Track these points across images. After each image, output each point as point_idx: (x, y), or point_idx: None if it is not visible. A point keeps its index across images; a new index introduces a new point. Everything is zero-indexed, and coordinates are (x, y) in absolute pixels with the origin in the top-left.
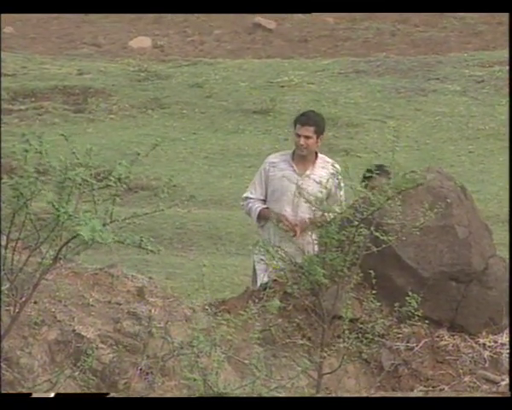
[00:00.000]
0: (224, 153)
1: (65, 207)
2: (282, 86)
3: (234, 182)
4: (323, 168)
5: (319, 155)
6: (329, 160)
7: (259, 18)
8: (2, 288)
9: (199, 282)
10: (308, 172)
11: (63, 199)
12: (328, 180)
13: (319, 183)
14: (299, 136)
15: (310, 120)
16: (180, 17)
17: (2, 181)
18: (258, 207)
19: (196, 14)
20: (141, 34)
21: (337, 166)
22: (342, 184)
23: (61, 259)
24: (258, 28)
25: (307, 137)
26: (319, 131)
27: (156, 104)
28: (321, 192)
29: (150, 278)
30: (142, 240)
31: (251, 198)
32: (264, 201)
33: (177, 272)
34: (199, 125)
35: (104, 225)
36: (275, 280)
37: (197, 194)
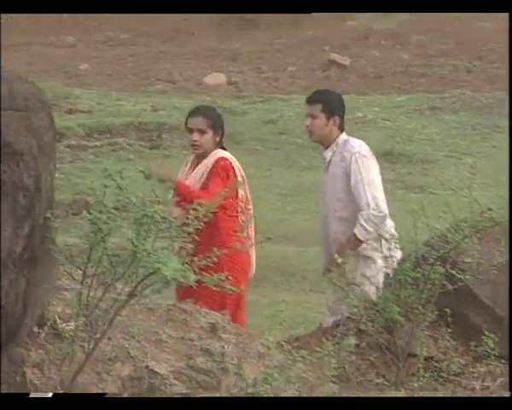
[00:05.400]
0: (297, 189)
1: (143, 244)
2: (357, 123)
3: (308, 218)
4: (343, 150)
5: (342, 137)
6: (349, 138)
7: (334, 54)
8: (78, 323)
9: (272, 318)
10: (328, 158)
11: (141, 236)
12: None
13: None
14: (306, 116)
15: (316, 98)
16: (255, 54)
17: (81, 216)
18: None
19: (271, 51)
20: (215, 71)
21: (353, 143)
22: (358, 164)
23: (136, 295)
24: (333, 65)
25: (313, 117)
26: (329, 110)
27: (230, 140)
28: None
29: (223, 314)
30: (221, 280)
31: None
32: None
33: (251, 309)
34: (273, 161)
35: (183, 263)
36: (349, 317)
37: (271, 230)
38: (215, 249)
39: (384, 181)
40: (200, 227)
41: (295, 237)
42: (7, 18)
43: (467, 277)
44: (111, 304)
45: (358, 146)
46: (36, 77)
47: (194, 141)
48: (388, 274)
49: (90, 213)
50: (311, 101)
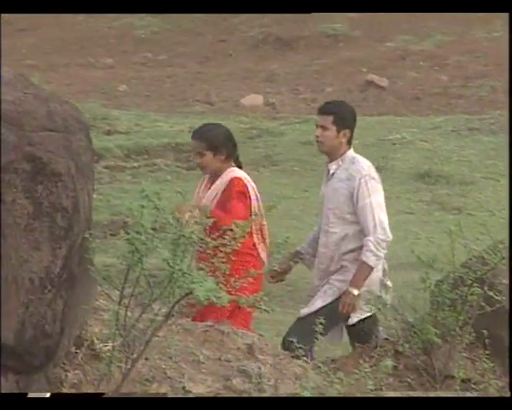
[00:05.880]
0: None
1: (179, 264)
2: (394, 144)
3: None
4: (350, 168)
5: (349, 153)
6: (357, 156)
7: (372, 75)
8: (115, 344)
9: None
10: (332, 171)
11: (178, 256)
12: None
13: (336, 189)
14: (317, 127)
15: (328, 109)
16: (292, 75)
17: (119, 236)
18: None
19: (308, 72)
20: (253, 92)
21: (363, 164)
22: (368, 187)
23: (173, 316)
24: (371, 86)
25: (324, 128)
26: (340, 123)
27: (267, 161)
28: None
29: (260, 335)
30: (256, 300)
31: None
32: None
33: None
34: (310, 182)
35: (218, 283)
36: (386, 339)
37: None
38: (252, 270)
39: (421, 202)
40: (237, 248)
41: None
42: (45, 40)
43: (504, 298)
44: (148, 324)
45: (367, 168)
46: (74, 98)
47: (198, 163)
48: None
49: (127, 234)
50: (323, 112)
